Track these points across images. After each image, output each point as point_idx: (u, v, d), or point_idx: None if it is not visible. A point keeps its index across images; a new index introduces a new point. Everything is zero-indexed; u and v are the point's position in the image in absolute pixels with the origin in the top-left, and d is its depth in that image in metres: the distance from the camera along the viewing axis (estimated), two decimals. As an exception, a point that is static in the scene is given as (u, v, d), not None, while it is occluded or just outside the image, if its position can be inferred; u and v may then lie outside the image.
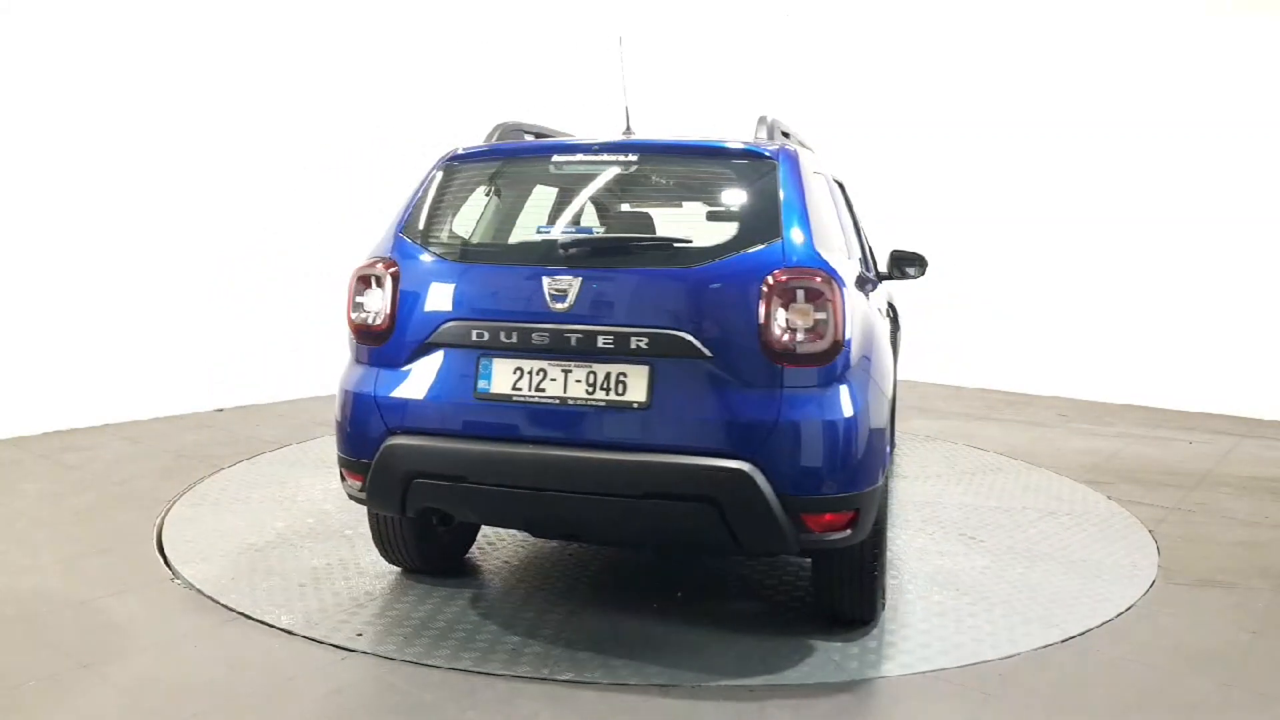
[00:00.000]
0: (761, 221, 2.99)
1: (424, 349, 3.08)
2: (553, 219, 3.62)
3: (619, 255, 3.04)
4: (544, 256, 3.10)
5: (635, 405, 2.84)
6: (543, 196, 3.70)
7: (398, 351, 3.12)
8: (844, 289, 2.89)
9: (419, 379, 3.07)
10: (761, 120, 3.54)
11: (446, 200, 3.38)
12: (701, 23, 10.33)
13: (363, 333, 3.22)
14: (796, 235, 2.93)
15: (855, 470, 2.85)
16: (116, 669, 2.96)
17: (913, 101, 9.46)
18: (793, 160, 3.16)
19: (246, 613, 3.35)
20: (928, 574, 3.88)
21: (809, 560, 3.46)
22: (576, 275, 2.94)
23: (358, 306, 3.23)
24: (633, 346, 2.86)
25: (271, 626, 3.27)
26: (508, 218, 3.65)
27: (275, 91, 7.49)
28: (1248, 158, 7.75)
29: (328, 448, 5.88)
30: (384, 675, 2.95)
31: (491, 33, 9.14)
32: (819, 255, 2.93)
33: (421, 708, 2.76)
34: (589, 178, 3.51)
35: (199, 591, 3.58)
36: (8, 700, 2.75)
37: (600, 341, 2.88)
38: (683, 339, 2.83)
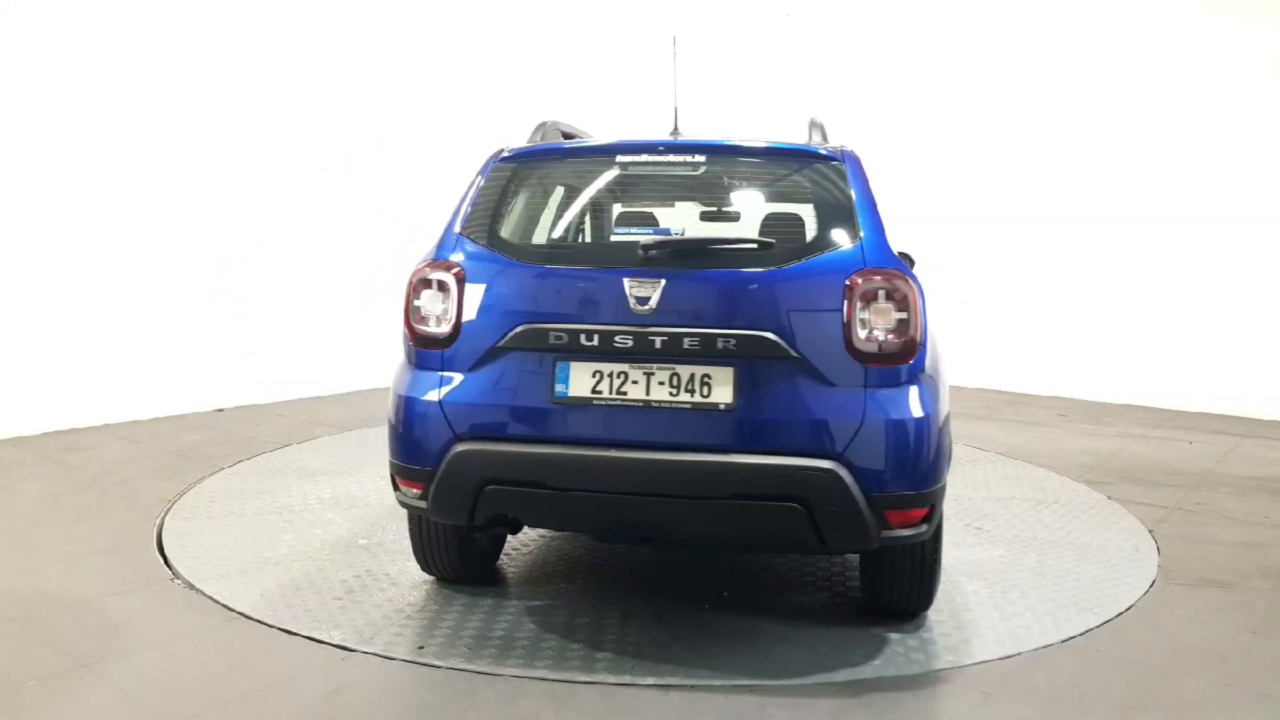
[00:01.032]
0: (838, 223, 3.04)
1: (494, 353, 2.99)
2: (623, 220, 3.58)
3: (700, 257, 3.02)
4: (624, 258, 3.06)
5: (722, 407, 2.84)
6: (605, 197, 3.64)
7: (464, 356, 3.03)
8: (920, 289, 2.94)
9: (489, 384, 2.99)
10: (813, 124, 3.59)
11: (506, 200, 3.28)
12: (701, 23, 10.33)
13: (424, 337, 3.10)
14: (873, 236, 3.00)
15: (932, 466, 2.90)
16: (116, 669, 2.96)
17: (911, 102, 9.46)
18: (856, 162, 3.23)
19: (293, 629, 3.21)
20: (948, 565, 3.89)
21: (840, 555, 3.48)
22: (659, 277, 2.89)
23: (416, 310, 3.11)
24: (719, 348, 2.85)
25: (323, 643, 3.18)
26: (573, 218, 3.59)
27: (275, 92, 7.49)
28: (1247, 157, 7.75)
29: (316, 451, 5.88)
30: (384, 675, 2.94)
31: (489, 33, 9.14)
32: (895, 256, 3.00)
33: (422, 707, 2.76)
34: (655, 179, 3.48)
35: (198, 590, 3.59)
36: (8, 700, 2.75)
37: (686, 344, 2.86)
38: (770, 340, 2.84)
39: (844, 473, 2.77)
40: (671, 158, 3.28)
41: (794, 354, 2.84)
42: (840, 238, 3.00)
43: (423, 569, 3.65)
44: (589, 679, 2.92)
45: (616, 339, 2.88)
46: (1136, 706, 2.80)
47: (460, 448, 2.95)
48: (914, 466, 2.85)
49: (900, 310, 2.86)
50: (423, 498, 3.06)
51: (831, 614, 3.44)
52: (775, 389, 2.84)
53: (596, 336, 2.90)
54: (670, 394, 2.86)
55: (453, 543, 3.48)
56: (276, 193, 7.56)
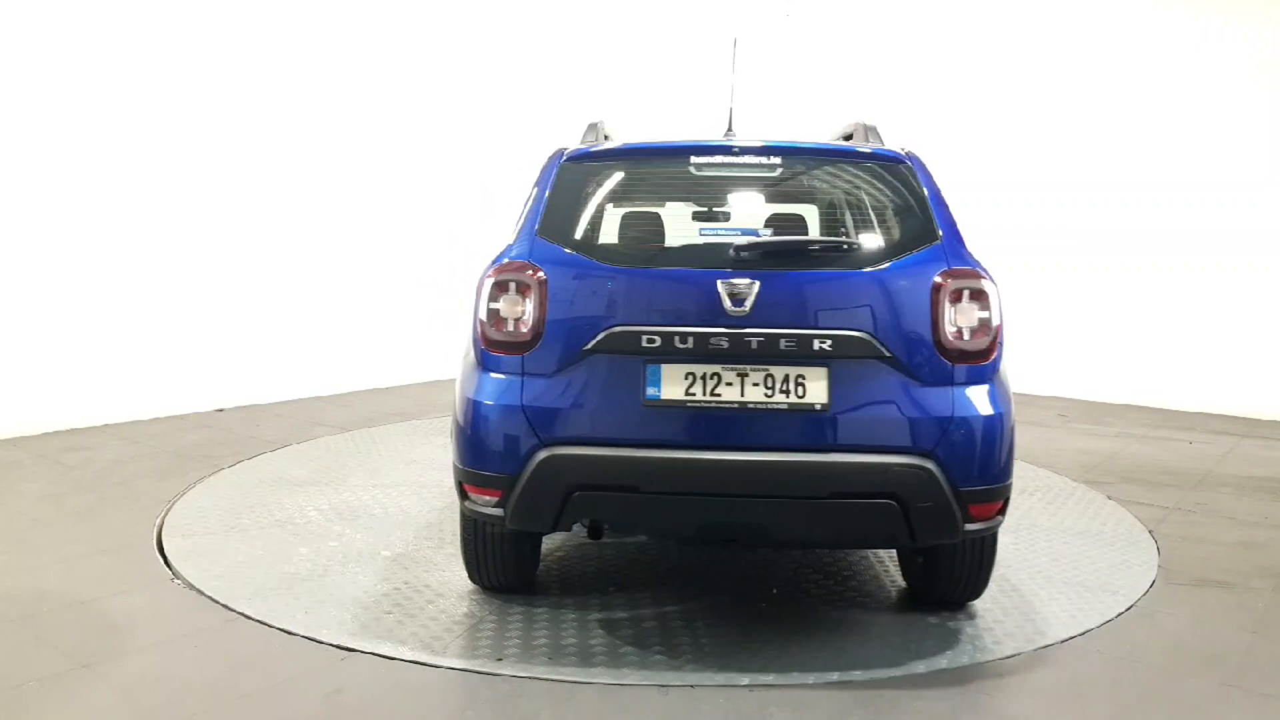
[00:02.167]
0: (916, 224, 3.11)
1: (580, 356, 2.93)
2: (702, 221, 3.56)
3: (790, 257, 3.02)
4: (714, 259, 3.00)
5: (817, 407, 2.86)
6: (681, 197, 3.63)
7: (548, 360, 2.96)
8: (998, 289, 3.01)
9: (575, 388, 2.93)
10: (870, 129, 3.62)
11: (580, 201, 3.23)
12: (702, 23, 10.33)
13: (501, 341, 3.01)
14: (950, 237, 3.08)
15: (1008, 460, 2.99)
16: (116, 669, 2.96)
17: (909, 102, 9.46)
18: (922, 164, 3.29)
19: (358, 648, 3.11)
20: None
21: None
22: (754, 278, 2.89)
23: (493, 314, 3.02)
24: (815, 348, 2.87)
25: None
26: (651, 219, 3.56)
27: (275, 91, 7.49)
28: (1247, 158, 7.75)
29: (306, 457, 5.87)
30: (383, 675, 2.94)
31: (489, 32, 9.14)
32: (972, 256, 3.07)
33: (421, 707, 2.76)
34: (730, 180, 3.47)
35: (198, 591, 3.59)
36: (8, 700, 2.75)
37: (782, 345, 2.87)
38: (864, 339, 2.88)
39: (935, 469, 2.84)
40: (747, 159, 3.28)
41: (886, 353, 2.89)
42: (921, 239, 3.07)
43: (471, 578, 3.56)
44: (582, 679, 2.92)
45: (712, 341, 2.88)
46: (1136, 706, 2.80)
47: (547, 453, 2.89)
48: (995, 461, 2.94)
49: (983, 310, 2.95)
50: (499, 505, 2.98)
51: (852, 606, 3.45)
52: (867, 388, 2.89)
53: (692, 339, 2.88)
54: (765, 395, 2.87)
55: (510, 551, 3.41)
56: (277, 192, 7.56)
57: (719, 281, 2.89)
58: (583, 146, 3.40)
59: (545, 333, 2.96)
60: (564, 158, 3.33)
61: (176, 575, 3.76)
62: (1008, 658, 3.11)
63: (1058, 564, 3.99)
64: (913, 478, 2.83)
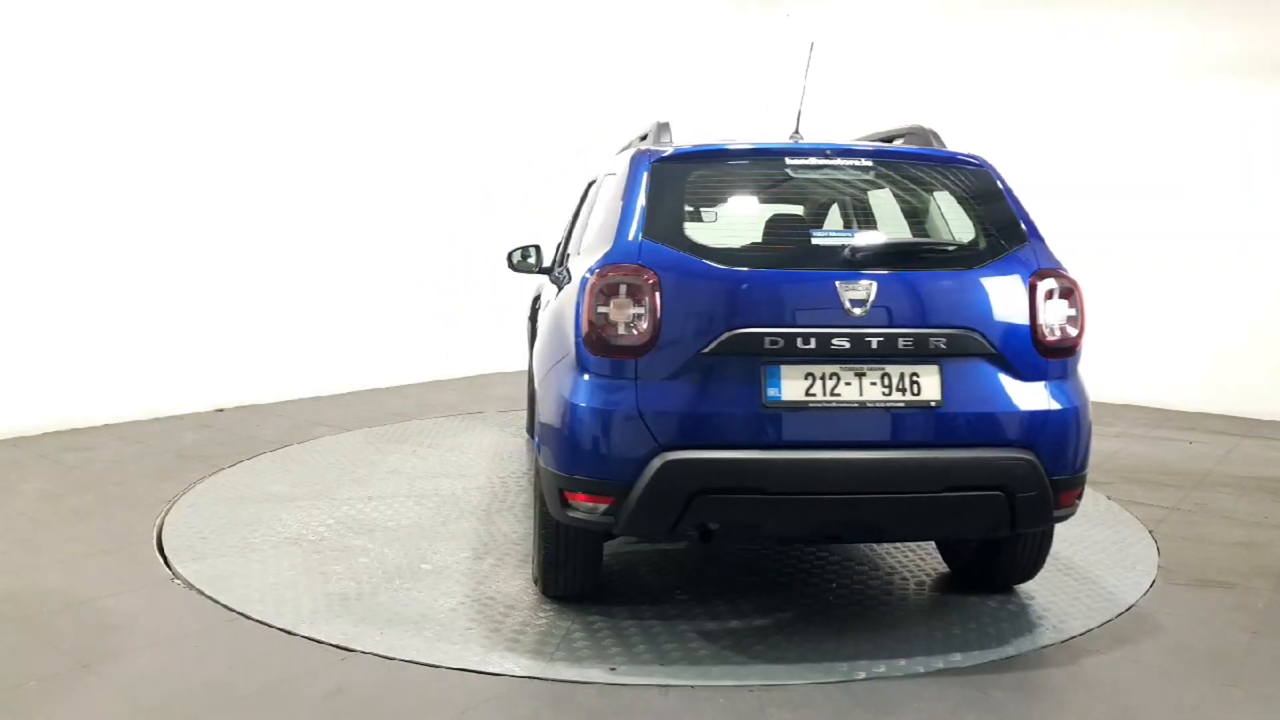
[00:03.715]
0: (1005, 226, 3.24)
1: (697, 359, 2.92)
2: (803, 223, 3.57)
3: (900, 259, 3.10)
4: (828, 261, 3.05)
5: (932, 404, 2.94)
6: (777, 198, 3.63)
7: (664, 363, 2.93)
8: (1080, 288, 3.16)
9: (693, 391, 2.92)
10: (934, 133, 3.70)
11: (679, 202, 3.20)
12: (702, 24, 10.33)
13: (611, 345, 2.96)
14: (1035, 238, 3.24)
15: (1089, 449, 3.16)
16: (116, 669, 2.96)
17: (908, 102, 9.46)
18: (995, 168, 3.41)
19: (473, 668, 2.98)
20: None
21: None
22: (871, 279, 2.96)
23: (602, 317, 2.97)
24: (930, 347, 2.96)
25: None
26: (756, 221, 3.54)
27: (275, 91, 7.49)
28: (1246, 158, 7.75)
29: (279, 469, 5.85)
30: (383, 675, 2.94)
31: (489, 33, 9.14)
32: (1055, 257, 3.20)
33: (420, 707, 2.76)
34: (824, 182, 3.50)
35: (199, 591, 3.59)
36: (8, 700, 2.75)
37: (900, 344, 2.94)
38: (975, 337, 3.00)
39: (1036, 460, 2.97)
40: (839, 161, 3.33)
41: (992, 350, 3.01)
42: (1012, 240, 3.20)
43: (545, 587, 3.49)
44: (583, 679, 2.92)
45: (834, 342, 2.91)
46: (1136, 707, 2.80)
47: (669, 457, 2.86)
48: (1080, 450, 3.11)
49: (1071, 307, 3.12)
50: (610, 512, 2.95)
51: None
52: (975, 384, 3.00)
53: (814, 340, 2.91)
54: (883, 393, 2.93)
55: (590, 558, 3.38)
56: (277, 192, 7.55)
57: (837, 283, 2.95)
58: (670, 148, 3.35)
59: (661, 336, 2.93)
60: (654, 158, 3.27)
61: (176, 575, 3.76)
62: (1008, 658, 3.11)
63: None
64: (1019, 469, 2.95)
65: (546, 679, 2.91)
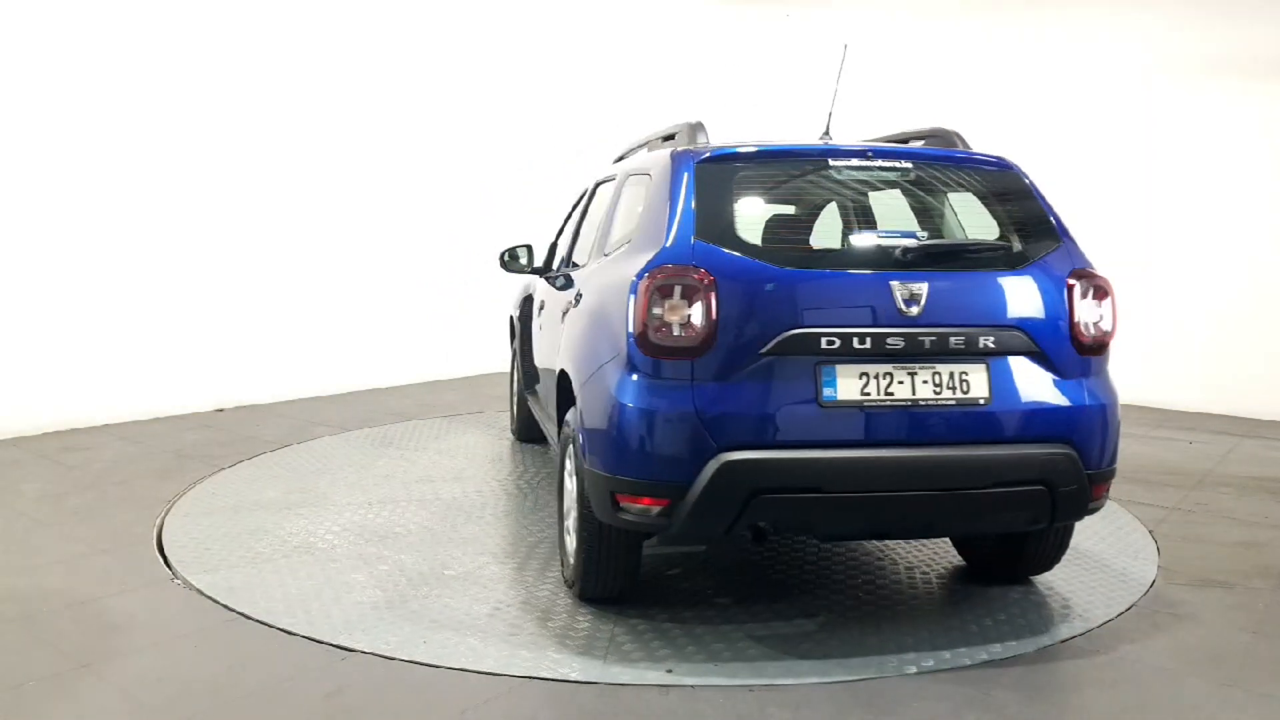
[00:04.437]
0: (1039, 227, 3.34)
1: (754, 359, 2.93)
2: (849, 224, 3.59)
3: (949, 259, 3.17)
4: (880, 261, 3.09)
5: (980, 401, 3.01)
6: (823, 199, 3.64)
7: (720, 364, 2.94)
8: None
9: (750, 391, 2.92)
10: (957, 135, 3.76)
11: (726, 202, 3.19)
12: (702, 24, 10.33)
13: (666, 346, 2.96)
14: (1068, 239, 3.35)
15: (1118, 444, 3.28)
16: (116, 669, 2.96)
17: (908, 103, 9.46)
18: (1024, 170, 3.50)
19: (529, 674, 2.94)
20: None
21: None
22: (924, 280, 3.01)
23: (655, 318, 2.95)
24: (980, 345, 3.03)
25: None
26: (805, 221, 3.56)
27: (274, 93, 7.49)
28: (1247, 157, 7.75)
29: (267, 476, 5.85)
30: (383, 675, 2.94)
31: (488, 33, 9.14)
32: (1086, 258, 3.31)
33: (420, 707, 2.76)
34: (867, 183, 3.53)
35: (198, 591, 3.59)
36: (8, 700, 2.75)
37: (951, 343, 3.00)
38: (1020, 336, 3.08)
39: (1075, 454, 3.06)
40: (880, 162, 3.37)
41: (1035, 348, 3.09)
42: (1047, 241, 3.30)
43: (582, 590, 3.46)
44: (585, 679, 2.92)
45: (889, 341, 2.96)
46: (1136, 706, 2.80)
47: (728, 458, 2.87)
48: (1112, 444, 3.23)
49: (1104, 306, 3.23)
50: (665, 514, 2.96)
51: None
52: (1019, 382, 3.07)
53: (870, 340, 2.95)
54: (934, 392, 2.98)
55: (630, 560, 3.37)
56: (277, 192, 7.55)
57: (892, 283, 2.99)
58: (711, 148, 3.35)
59: (717, 337, 2.94)
60: (697, 158, 3.27)
61: (176, 575, 3.76)
62: (1008, 658, 3.11)
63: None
64: (1060, 464, 3.04)
65: (602, 683, 2.89)
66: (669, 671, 2.96)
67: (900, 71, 9.63)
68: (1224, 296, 7.91)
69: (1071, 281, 3.18)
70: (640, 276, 3.02)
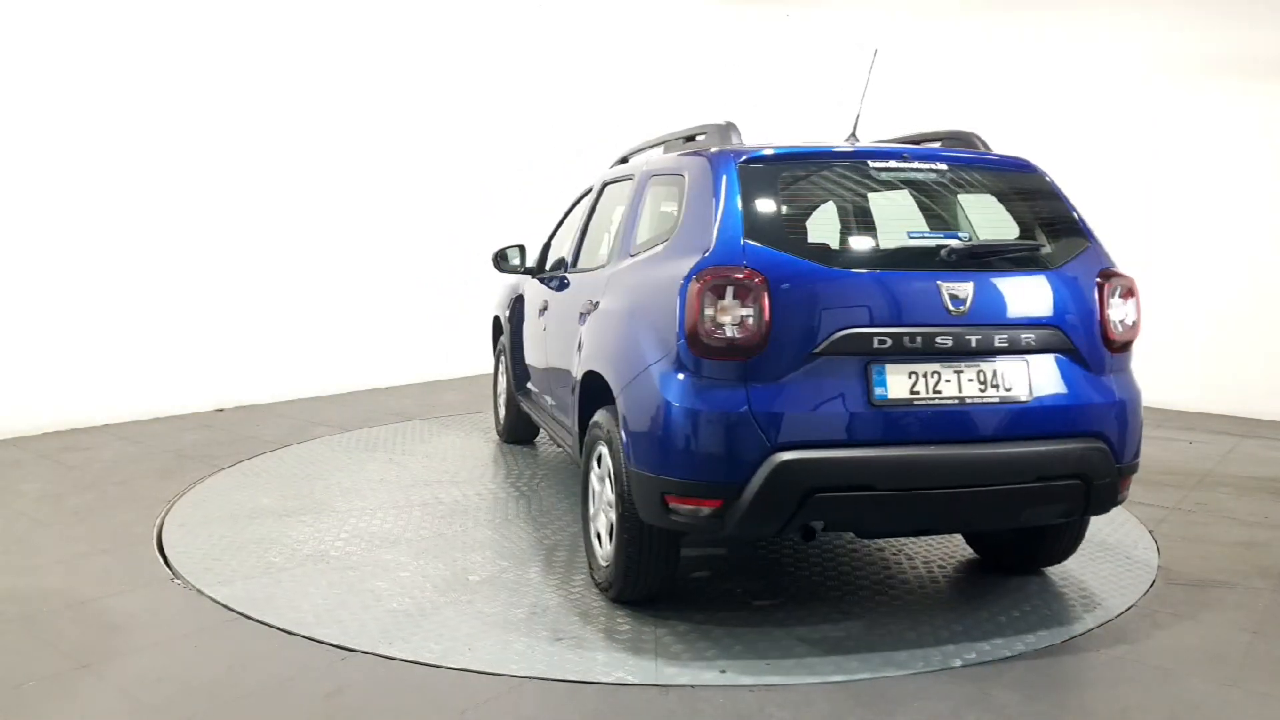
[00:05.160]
0: (1069, 228, 3.43)
1: (807, 359, 2.95)
2: (890, 224, 3.60)
3: (991, 259, 3.22)
4: (928, 261, 3.15)
5: (1022, 398, 3.08)
6: (864, 200, 3.66)
7: (774, 364, 2.95)
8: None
9: (804, 391, 2.94)
10: (978, 137, 3.83)
11: (771, 203, 3.20)
12: (702, 24, 10.33)
13: (720, 347, 2.96)
14: (1094, 240, 3.43)
15: (1142, 437, 3.36)
16: (116, 669, 2.96)
17: (908, 103, 9.45)
18: (1047, 172, 3.58)
19: (583, 678, 2.92)
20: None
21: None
22: (969, 279, 3.08)
23: (708, 319, 2.96)
24: (1022, 344, 3.10)
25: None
26: (845, 221, 3.59)
27: (274, 92, 7.49)
28: (1245, 158, 7.75)
29: (261, 482, 5.84)
30: (383, 675, 2.95)
31: (488, 33, 9.14)
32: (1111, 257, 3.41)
33: (420, 707, 2.76)
34: (904, 184, 3.55)
35: (198, 591, 3.59)
36: (9, 700, 2.75)
37: (996, 341, 3.07)
38: (1057, 334, 3.17)
39: (1108, 449, 3.16)
40: (916, 164, 3.42)
41: (1070, 346, 3.18)
42: (1078, 240, 3.39)
43: (619, 592, 3.43)
44: (586, 679, 2.92)
45: (938, 340, 3.01)
46: (1136, 706, 2.80)
47: (783, 458, 2.89)
48: (1138, 438, 3.32)
49: (1131, 305, 3.33)
50: (718, 515, 2.97)
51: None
52: (1057, 378, 3.15)
53: (919, 339, 2.99)
54: (979, 390, 3.05)
55: (670, 562, 3.37)
56: (277, 192, 7.55)
57: (939, 283, 3.04)
58: (751, 149, 3.35)
59: (771, 337, 2.94)
60: (739, 159, 3.27)
61: (176, 575, 3.76)
62: (1008, 658, 3.11)
63: (1073, 554, 3.99)
64: (1095, 458, 3.13)
65: (660, 684, 2.89)
66: (723, 672, 2.97)
67: (900, 72, 9.61)
68: (1224, 296, 7.91)
69: (1101, 281, 3.28)
70: (690, 278, 3.02)
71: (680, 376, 3.04)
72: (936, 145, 3.83)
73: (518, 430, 6.04)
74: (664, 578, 3.42)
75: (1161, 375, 8.33)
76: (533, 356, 5.27)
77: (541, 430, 6.13)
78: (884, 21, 9.67)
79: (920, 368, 3.00)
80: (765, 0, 10.21)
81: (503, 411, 6.20)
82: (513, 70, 9.30)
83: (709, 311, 2.96)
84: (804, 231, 3.26)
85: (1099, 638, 3.28)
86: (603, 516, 3.56)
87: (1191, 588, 3.78)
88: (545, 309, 4.92)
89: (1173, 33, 8.11)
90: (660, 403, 3.07)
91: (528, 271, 5.39)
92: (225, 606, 3.45)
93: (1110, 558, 4.10)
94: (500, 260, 5.39)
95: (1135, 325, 3.34)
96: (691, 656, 3.08)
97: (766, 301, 2.94)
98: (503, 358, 6.13)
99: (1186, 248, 8.06)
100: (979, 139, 3.81)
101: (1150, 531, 4.48)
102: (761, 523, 2.99)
